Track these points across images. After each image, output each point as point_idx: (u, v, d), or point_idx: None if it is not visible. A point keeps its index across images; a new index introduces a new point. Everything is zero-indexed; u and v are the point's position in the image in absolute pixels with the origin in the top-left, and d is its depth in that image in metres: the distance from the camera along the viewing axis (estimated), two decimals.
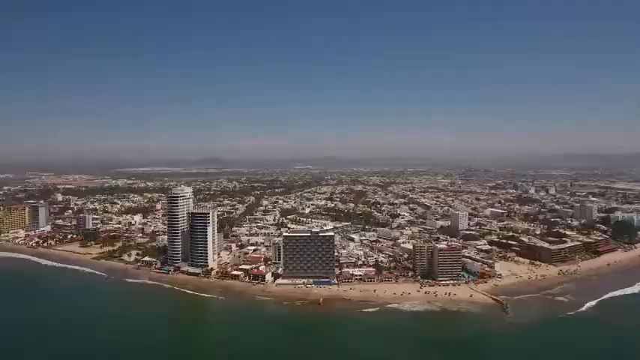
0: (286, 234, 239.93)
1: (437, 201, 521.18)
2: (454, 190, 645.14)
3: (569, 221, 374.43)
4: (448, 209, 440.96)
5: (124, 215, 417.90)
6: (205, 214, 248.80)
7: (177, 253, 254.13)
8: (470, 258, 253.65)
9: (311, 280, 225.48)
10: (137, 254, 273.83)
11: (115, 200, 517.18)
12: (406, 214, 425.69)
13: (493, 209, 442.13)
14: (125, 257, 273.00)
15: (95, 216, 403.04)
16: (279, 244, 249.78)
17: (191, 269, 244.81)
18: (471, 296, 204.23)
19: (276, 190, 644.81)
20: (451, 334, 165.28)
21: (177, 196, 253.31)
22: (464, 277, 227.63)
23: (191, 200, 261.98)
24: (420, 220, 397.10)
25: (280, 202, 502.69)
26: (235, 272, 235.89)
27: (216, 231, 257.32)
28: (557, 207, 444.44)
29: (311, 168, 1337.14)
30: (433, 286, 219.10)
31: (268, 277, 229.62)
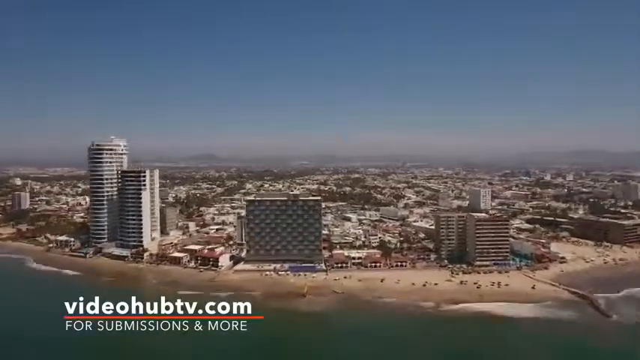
0: (251, 198, 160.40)
1: (445, 186, 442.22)
2: (461, 177, 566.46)
3: (612, 201, 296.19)
4: (461, 192, 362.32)
5: (78, 197, 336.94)
6: (139, 172, 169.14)
7: (102, 230, 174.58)
8: (512, 237, 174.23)
9: (286, 265, 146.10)
10: (55, 233, 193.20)
11: (79, 185, 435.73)
12: (412, 196, 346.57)
13: (513, 191, 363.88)
14: (40, 238, 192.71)
15: (45, 198, 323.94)
16: (244, 217, 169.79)
17: (117, 251, 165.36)
18: (533, 288, 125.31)
19: (266, 178, 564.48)
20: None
21: (102, 150, 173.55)
22: (513, 261, 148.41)
23: (125, 158, 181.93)
24: (431, 201, 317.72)
25: (267, 185, 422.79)
26: (177, 254, 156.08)
27: (157, 199, 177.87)
28: (584, 190, 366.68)
29: (307, 163, 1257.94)
30: (470, 273, 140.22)
31: (224, 260, 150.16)
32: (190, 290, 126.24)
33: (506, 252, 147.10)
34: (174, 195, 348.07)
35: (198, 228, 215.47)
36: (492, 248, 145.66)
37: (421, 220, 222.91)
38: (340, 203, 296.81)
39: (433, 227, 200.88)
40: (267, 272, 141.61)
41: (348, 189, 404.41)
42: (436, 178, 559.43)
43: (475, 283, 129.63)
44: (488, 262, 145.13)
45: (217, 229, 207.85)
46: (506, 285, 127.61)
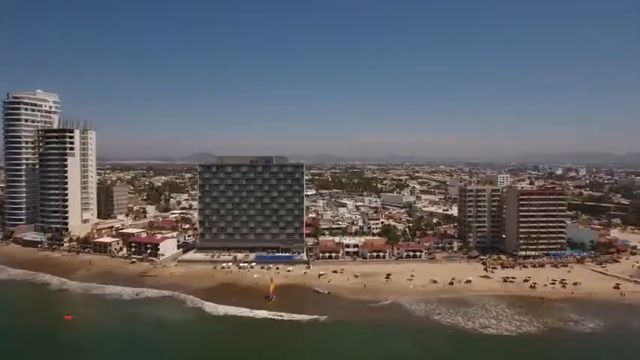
0: (204, 163, 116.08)
1: (450, 178, 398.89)
2: (466, 172, 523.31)
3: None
4: (470, 183, 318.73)
5: None
6: (64, 131, 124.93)
7: (19, 208, 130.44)
8: None
9: (252, 255, 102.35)
10: None
11: None
12: (417, 186, 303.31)
13: (528, 181, 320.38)
14: None
15: None
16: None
17: (31, 235, 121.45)
18: (617, 288, 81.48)
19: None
20: None
21: (19, 104, 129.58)
22: (570, 251, 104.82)
23: (56, 118, 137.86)
24: (438, 191, 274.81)
25: None
26: (104, 240, 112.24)
27: (93, 170, 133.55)
28: (606, 182, 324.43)
29: (305, 162, 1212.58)
30: (512, 267, 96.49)
31: (168, 248, 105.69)
32: (106, 287, 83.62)
33: (563, 238, 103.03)
34: (148, 182, 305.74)
35: (157, 212, 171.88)
36: (543, 233, 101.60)
37: (432, 207, 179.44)
38: (335, 190, 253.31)
39: (449, 212, 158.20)
40: (224, 264, 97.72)
41: (345, 180, 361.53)
42: (440, 173, 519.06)
43: (526, 281, 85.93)
44: (536, 253, 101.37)
45: (180, 214, 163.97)
46: (575, 284, 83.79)
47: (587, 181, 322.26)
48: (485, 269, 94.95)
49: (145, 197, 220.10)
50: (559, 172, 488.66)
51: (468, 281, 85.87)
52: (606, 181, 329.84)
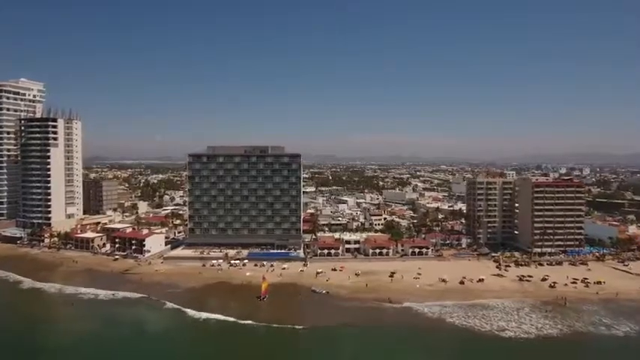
0: (194, 153, 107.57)
1: (453, 177, 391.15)
2: (468, 171, 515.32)
3: None
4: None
5: None
6: (47, 120, 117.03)
7: (0, 202, 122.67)
8: None
9: (245, 252, 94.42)
10: None
11: None
12: (419, 184, 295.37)
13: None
14: None
15: None
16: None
17: (10, 231, 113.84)
18: None
19: None
20: None
21: (1, 91, 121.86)
22: (589, 248, 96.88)
23: (40, 107, 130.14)
24: (441, 188, 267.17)
25: None
26: (86, 235, 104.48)
27: (79, 162, 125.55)
28: (612, 180, 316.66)
29: (305, 162, 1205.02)
30: (526, 265, 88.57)
31: (154, 244, 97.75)
32: (80, 287, 75.60)
33: (581, 234, 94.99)
34: (143, 180, 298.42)
35: (150, 209, 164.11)
36: (559, 228, 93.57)
37: (436, 203, 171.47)
38: (335, 188, 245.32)
39: (454, 208, 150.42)
40: (214, 261, 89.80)
41: (344, 178, 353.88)
42: (441, 172, 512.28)
43: (544, 280, 78.04)
44: (553, 249, 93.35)
45: (172, 210, 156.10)
46: (598, 283, 75.81)
47: (593, 179, 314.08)
48: (497, 267, 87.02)
49: (138, 194, 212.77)
50: (562, 171, 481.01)
51: (480, 280, 77.96)
52: (612, 180, 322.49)
